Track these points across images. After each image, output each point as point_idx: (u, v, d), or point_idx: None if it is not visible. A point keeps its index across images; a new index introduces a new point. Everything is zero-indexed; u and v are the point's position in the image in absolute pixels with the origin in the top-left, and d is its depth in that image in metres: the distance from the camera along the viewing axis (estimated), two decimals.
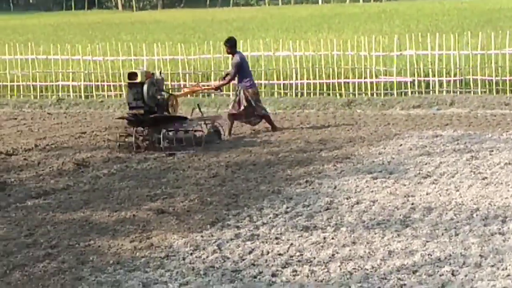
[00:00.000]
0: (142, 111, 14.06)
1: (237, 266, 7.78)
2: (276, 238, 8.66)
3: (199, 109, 15.27)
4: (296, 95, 20.79)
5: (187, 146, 14.16)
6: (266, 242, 8.52)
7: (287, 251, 8.18)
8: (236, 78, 16.00)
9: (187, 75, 21.67)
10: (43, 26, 57.25)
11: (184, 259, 8.05)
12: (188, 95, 17.74)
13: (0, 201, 10.70)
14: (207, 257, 8.09)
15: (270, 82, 21.21)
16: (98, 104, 21.27)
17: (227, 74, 16.33)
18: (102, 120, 18.66)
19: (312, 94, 20.68)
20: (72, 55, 22.99)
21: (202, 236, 8.79)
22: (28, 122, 18.89)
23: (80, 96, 22.24)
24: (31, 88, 22.82)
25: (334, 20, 46.98)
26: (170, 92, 15.64)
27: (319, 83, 20.75)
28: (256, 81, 21.10)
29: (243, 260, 7.97)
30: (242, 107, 15.83)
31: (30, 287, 7.38)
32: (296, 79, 20.98)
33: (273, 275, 7.50)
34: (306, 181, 11.36)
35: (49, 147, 14.88)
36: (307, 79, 20.87)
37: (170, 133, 14.26)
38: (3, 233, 9.21)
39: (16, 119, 19.53)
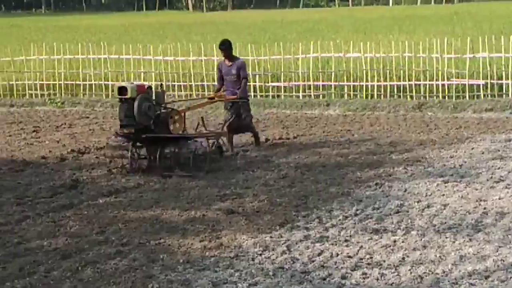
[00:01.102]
0: (132, 130, 12.31)
1: (307, 268, 7.76)
2: (346, 241, 8.62)
3: (203, 123, 13.69)
4: (366, 97, 20.68)
5: (187, 166, 12.37)
6: (336, 244, 8.49)
7: (357, 254, 8.14)
8: (233, 85, 14.26)
9: (257, 76, 21.70)
10: (115, 26, 57.97)
11: (253, 259, 8.07)
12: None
13: (72, 199, 10.87)
14: (276, 258, 8.09)
15: (340, 83, 21.12)
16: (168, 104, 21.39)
17: (220, 87, 14.45)
18: None
19: (382, 96, 20.54)
20: (144, 55, 23.20)
21: (271, 237, 8.79)
22: (99, 121, 19.15)
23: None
24: (103, 87, 23.10)
25: (405, 22, 46.59)
26: (182, 105, 13.97)
27: (390, 85, 20.60)
28: (325, 83, 21.24)
29: (313, 261, 7.95)
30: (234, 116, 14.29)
31: (102, 284, 7.47)
32: (367, 81, 20.85)
33: (343, 277, 7.47)
34: (376, 184, 11.29)
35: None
36: (377, 81, 20.74)
37: (168, 153, 12.61)
38: (75, 230, 9.35)
39: (88, 117, 19.81)
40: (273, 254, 8.19)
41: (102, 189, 11.42)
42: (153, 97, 12.58)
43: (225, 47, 14.34)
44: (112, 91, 22.72)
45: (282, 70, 21.66)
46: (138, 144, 12.68)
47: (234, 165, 13.04)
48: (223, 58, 14.54)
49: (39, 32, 50.05)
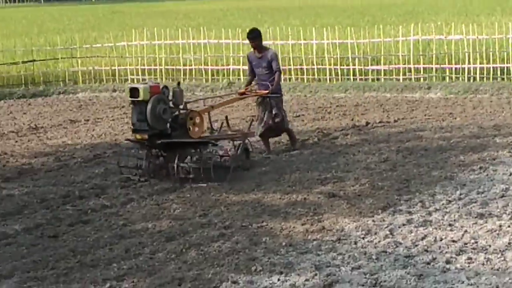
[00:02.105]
0: (146, 135, 11.06)
1: (410, 252, 7.69)
2: (450, 225, 8.51)
3: (227, 123, 12.77)
4: (469, 79, 20.29)
5: (208, 175, 11.01)
6: (439, 229, 8.39)
7: (461, 238, 8.03)
8: (265, 78, 12.95)
9: (356, 59, 21.55)
10: (213, 10, 58.39)
11: (356, 243, 8.04)
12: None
13: (175, 182, 11.00)
14: (379, 241, 8.04)
15: (442, 66, 20.79)
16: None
17: (252, 79, 13.24)
18: None
19: (485, 78, 20.12)
20: (243, 40, 23.25)
21: (373, 221, 8.75)
22: (200, 105, 19.18)
23: None
24: (203, 72, 23.29)
25: (508, 3, 45.54)
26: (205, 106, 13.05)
27: (493, 67, 20.17)
28: (426, 65, 20.94)
29: (416, 246, 7.88)
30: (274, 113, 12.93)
31: (206, 265, 7.56)
32: (469, 63, 20.47)
33: (447, 262, 7.38)
34: (480, 168, 11.09)
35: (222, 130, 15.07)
36: (480, 64, 20.34)
37: (185, 161, 11.43)
38: (179, 213, 9.48)
39: (188, 102, 19.85)
40: (376, 238, 8.15)
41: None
42: (170, 98, 11.46)
43: (253, 36, 12.96)
44: (212, 75, 22.95)
45: (382, 53, 21.44)
46: (153, 150, 11.53)
47: (335, 149, 13.00)
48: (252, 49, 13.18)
49: (139, 18, 50.82)
